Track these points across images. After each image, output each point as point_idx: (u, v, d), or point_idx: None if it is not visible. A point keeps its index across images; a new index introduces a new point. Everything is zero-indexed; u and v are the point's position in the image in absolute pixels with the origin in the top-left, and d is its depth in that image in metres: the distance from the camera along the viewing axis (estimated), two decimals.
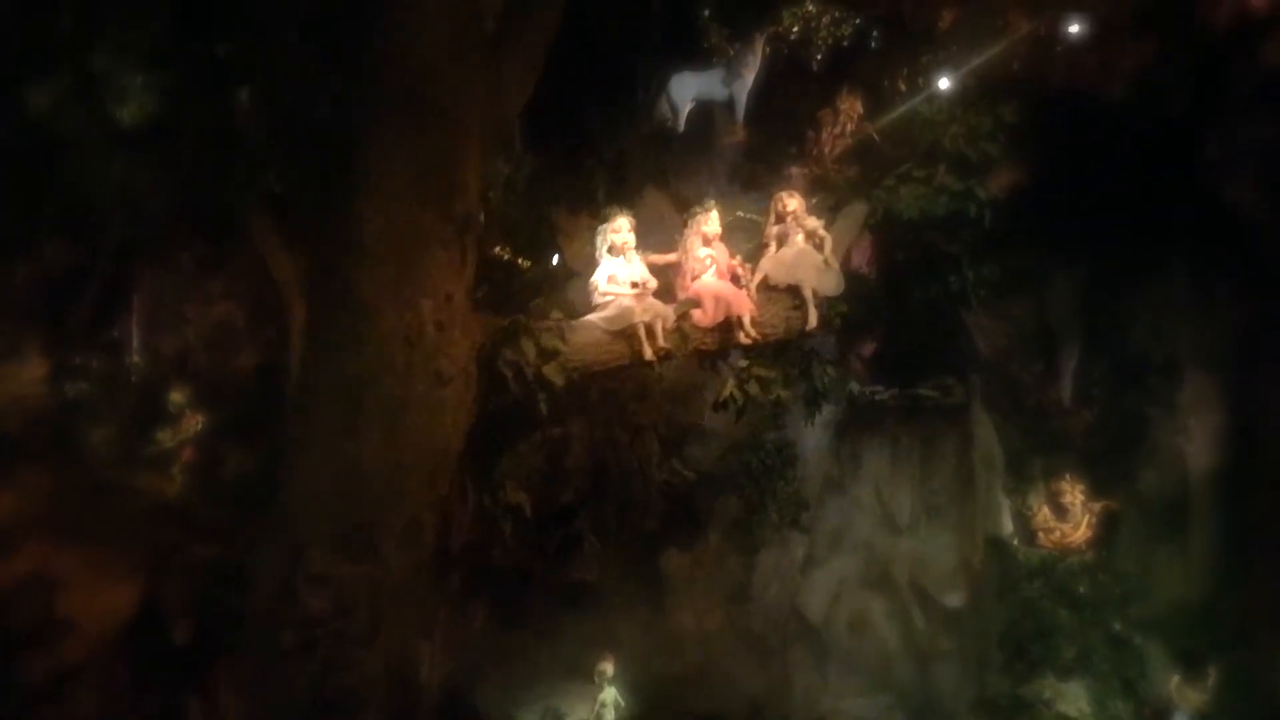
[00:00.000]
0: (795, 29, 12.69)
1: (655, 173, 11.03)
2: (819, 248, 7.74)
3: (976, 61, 10.40)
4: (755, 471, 11.43)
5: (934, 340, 13.05)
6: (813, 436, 11.93)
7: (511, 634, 10.54)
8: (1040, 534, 11.09)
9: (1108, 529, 11.62)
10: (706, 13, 12.65)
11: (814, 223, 7.81)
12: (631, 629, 10.92)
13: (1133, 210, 11.15)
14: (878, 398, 12.16)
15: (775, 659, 11.50)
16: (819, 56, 12.67)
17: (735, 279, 7.53)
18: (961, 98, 9.54)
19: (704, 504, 11.37)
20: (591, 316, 7.22)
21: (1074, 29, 10.92)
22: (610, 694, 10.04)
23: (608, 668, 10.03)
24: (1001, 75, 10.56)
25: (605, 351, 7.21)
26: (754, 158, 11.23)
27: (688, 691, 11.14)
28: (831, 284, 7.73)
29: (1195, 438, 11.64)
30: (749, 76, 11.92)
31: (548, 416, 7.02)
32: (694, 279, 7.34)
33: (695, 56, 12.27)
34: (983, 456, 11.45)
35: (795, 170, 11.23)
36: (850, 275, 8.35)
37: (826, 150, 11.03)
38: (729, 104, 11.89)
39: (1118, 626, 10.32)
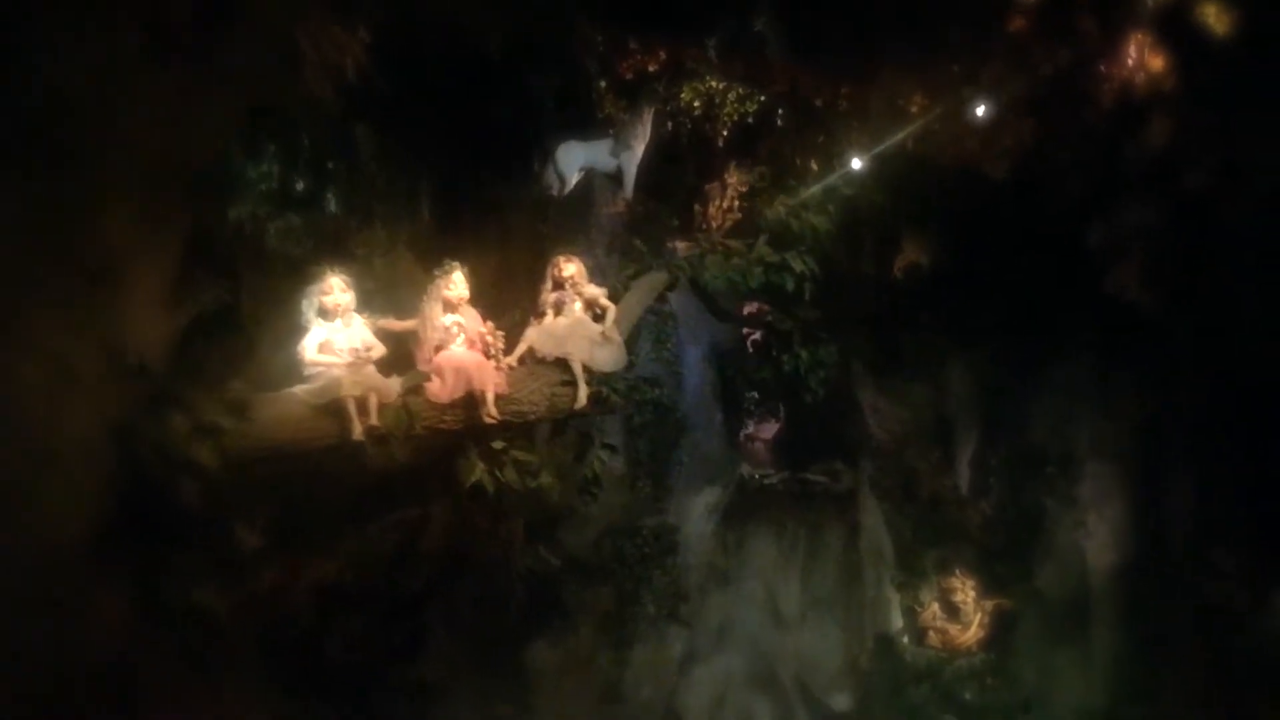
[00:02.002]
0: (697, 104, 12.53)
1: (532, 240, 10.56)
2: (599, 318, 7.17)
3: (871, 139, 10.26)
4: (631, 559, 10.68)
5: (831, 422, 12.75)
6: (696, 523, 11.35)
7: None
8: (930, 633, 10.50)
9: (1005, 630, 11.06)
10: (603, 84, 12.47)
11: (594, 291, 7.23)
12: None
13: (1032, 297, 10.90)
14: (767, 482, 11.62)
15: None
16: (724, 133, 12.51)
17: (486, 350, 6.77)
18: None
19: (574, 594, 10.60)
20: (297, 388, 6.41)
21: (966, 108, 10.80)
22: None
23: None
24: (896, 153, 10.47)
25: (306, 429, 6.31)
26: (636, 230, 10.82)
27: None
28: (609, 359, 7.07)
29: (1095, 533, 11.09)
30: (638, 148, 11.57)
31: (203, 506, 5.98)
32: (438, 349, 6.59)
33: (587, 125, 12.00)
34: (871, 547, 10.85)
35: (680, 244, 10.89)
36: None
37: (714, 225, 10.69)
38: (616, 175, 11.54)
39: None
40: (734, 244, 7.97)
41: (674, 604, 10.88)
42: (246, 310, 7.04)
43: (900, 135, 10.02)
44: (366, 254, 7.58)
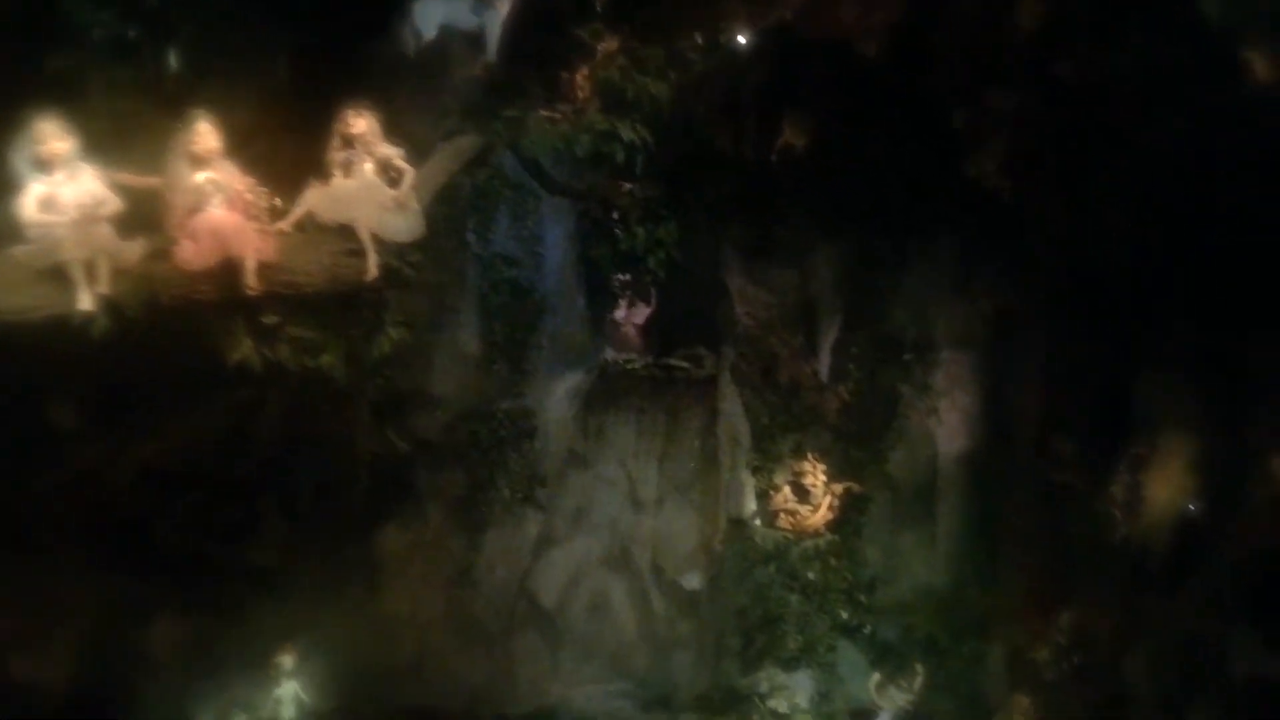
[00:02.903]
0: None
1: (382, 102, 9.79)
2: (395, 182, 6.38)
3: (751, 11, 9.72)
4: (485, 443, 10.41)
5: (702, 308, 12.58)
6: (556, 407, 11.13)
7: (189, 621, 9.34)
8: (781, 515, 10.63)
9: (855, 512, 11.33)
10: None
11: (388, 150, 6.39)
12: (335, 616, 9.77)
13: (897, 183, 10.75)
14: (629, 367, 11.42)
15: (499, 647, 10.68)
16: None
17: (247, 210, 5.98)
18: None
19: (425, 478, 10.34)
20: (15, 249, 5.52)
21: None
22: (289, 689, 8.89)
23: (286, 660, 8.87)
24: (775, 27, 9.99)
25: (23, 296, 5.48)
26: (498, 96, 10.12)
27: (401, 683, 10.09)
28: (403, 227, 6.35)
29: (946, 420, 11.37)
30: (502, 7, 10.77)
31: None
32: (192, 212, 5.76)
33: None
34: (728, 433, 10.85)
35: (544, 113, 10.27)
36: None
37: (580, 95, 10.08)
38: (477, 35, 10.73)
39: (845, 615, 9.94)
40: (561, 110, 7.30)
41: (530, 488, 10.71)
42: None
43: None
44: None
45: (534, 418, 10.75)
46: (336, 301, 6.30)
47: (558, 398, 10.96)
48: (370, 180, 6.18)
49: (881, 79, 10.03)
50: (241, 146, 5.84)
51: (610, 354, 11.64)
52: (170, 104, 6.10)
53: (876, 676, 8.84)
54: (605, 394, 11.18)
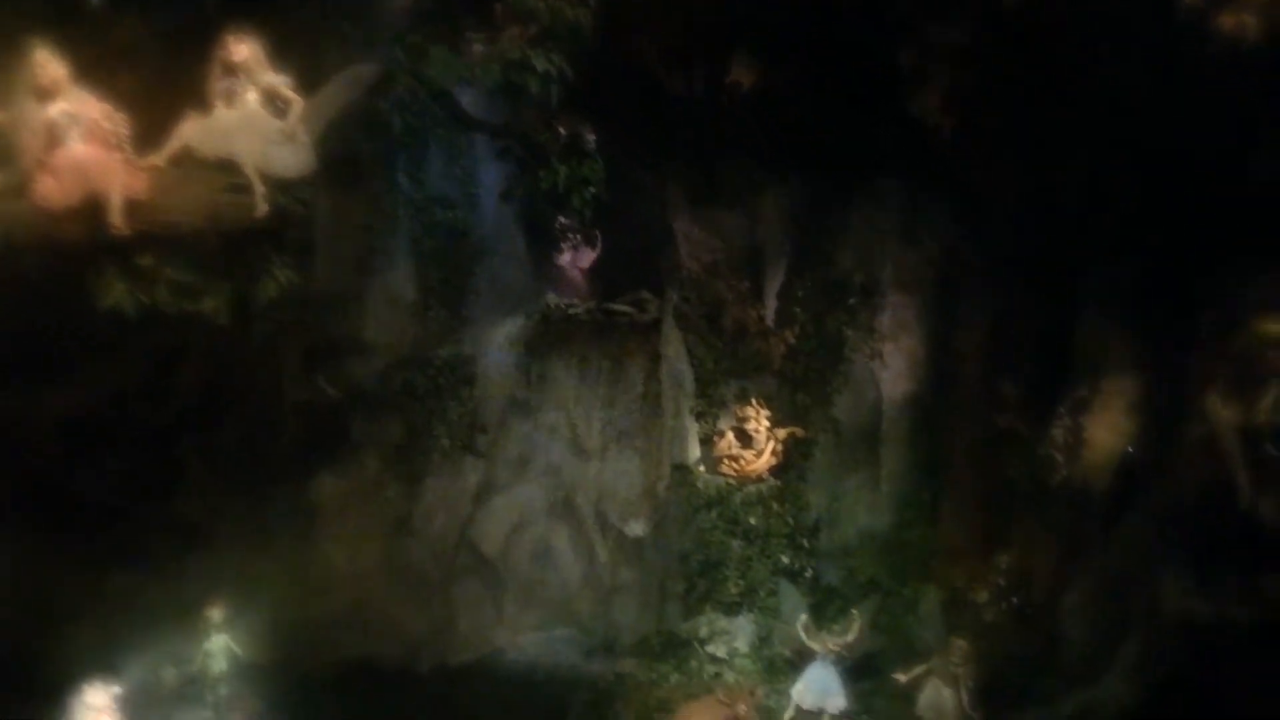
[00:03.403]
0: None
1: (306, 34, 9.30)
2: (282, 112, 6.10)
3: None
4: (422, 391, 10.15)
5: (648, 251, 12.33)
6: (496, 354, 10.85)
7: (114, 575, 9.08)
8: (724, 461, 10.54)
9: (800, 457, 11.27)
10: None
11: (273, 79, 6.10)
12: (269, 567, 9.57)
13: (843, 124, 10.52)
14: (571, 312, 11.17)
15: (440, 596, 10.52)
16: None
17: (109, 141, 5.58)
18: None
19: (361, 427, 10.08)
20: None
21: None
22: (219, 642, 8.71)
23: (215, 613, 8.69)
24: None
25: None
26: (424, 20, 9.60)
27: (339, 634, 9.92)
28: (290, 161, 6.06)
29: (891, 364, 11.33)
30: None
31: None
32: (50, 147, 5.38)
33: None
34: (672, 378, 10.64)
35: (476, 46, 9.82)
36: None
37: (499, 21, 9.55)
38: None
39: (786, 560, 9.92)
40: (475, 38, 6.86)
41: (470, 436, 10.50)
42: None
43: None
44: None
45: (473, 364, 10.48)
46: (220, 242, 5.90)
47: (498, 344, 10.65)
48: (254, 111, 5.77)
49: (828, 14, 9.81)
50: (108, 75, 5.43)
51: (552, 299, 11.36)
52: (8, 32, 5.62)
53: (804, 618, 8.81)
54: (547, 340, 10.88)
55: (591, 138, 7.84)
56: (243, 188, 5.75)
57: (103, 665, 8.86)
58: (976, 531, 10.64)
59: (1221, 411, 7.46)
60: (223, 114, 5.79)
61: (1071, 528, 9.73)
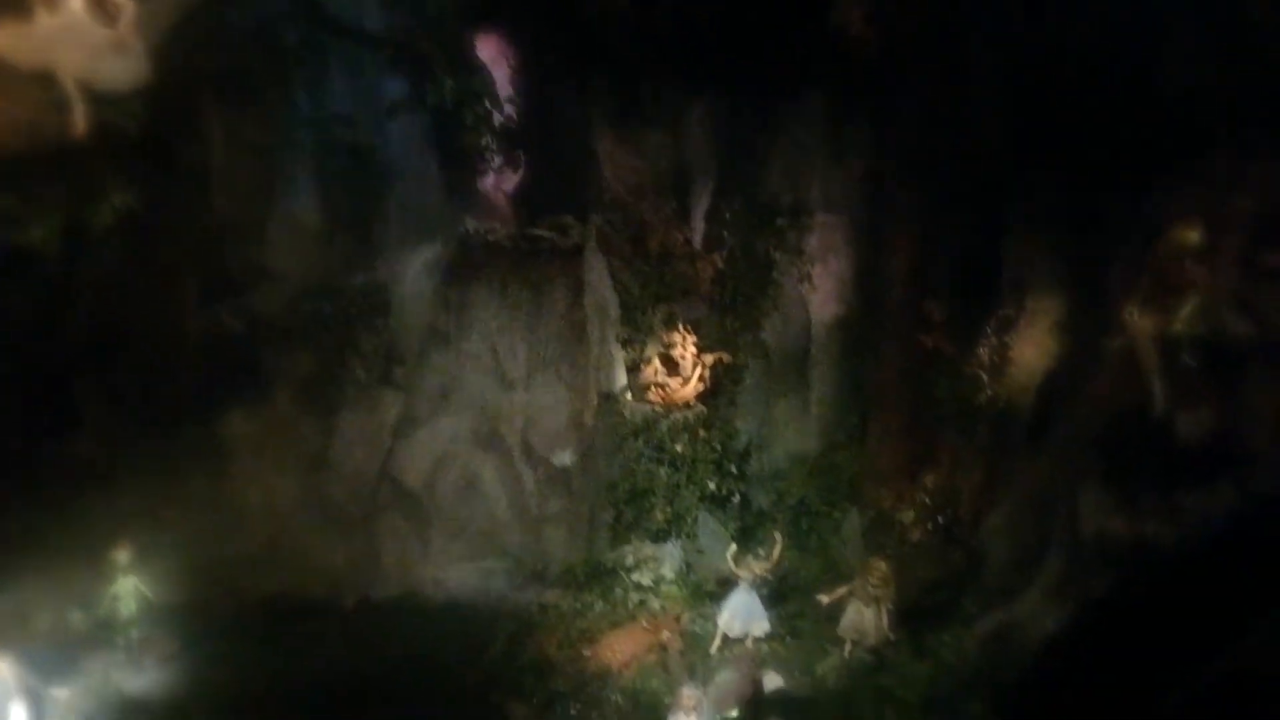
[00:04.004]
0: None
1: None
2: (112, 19, 5.60)
3: None
4: (333, 321, 9.78)
5: (573, 173, 11.89)
6: (413, 282, 10.45)
7: (14, 518, 8.67)
8: (650, 388, 10.32)
9: (730, 383, 11.12)
10: None
11: None
12: (179, 507, 9.24)
13: (767, 38, 10.14)
14: (491, 238, 10.76)
15: (360, 531, 10.28)
16: None
17: None
18: None
19: (270, 360, 9.70)
20: None
21: None
22: (127, 584, 8.43)
23: (121, 555, 8.38)
24: None
25: None
26: None
27: (257, 572, 9.63)
28: (121, 74, 5.63)
29: (820, 286, 11.15)
30: None
31: None
32: None
33: None
34: (596, 305, 10.37)
35: None
36: None
37: None
38: None
39: (713, 486, 9.81)
40: None
41: (387, 368, 10.20)
42: None
43: None
44: None
45: (387, 293, 10.14)
46: (40, 165, 5.36)
47: (414, 271, 10.28)
48: (78, 17, 5.15)
49: None
50: None
51: (471, 224, 10.92)
52: None
53: (733, 547, 8.74)
54: (466, 267, 10.50)
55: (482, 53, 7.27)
56: (62, 104, 5.20)
57: (12, 609, 8.60)
58: (904, 452, 10.62)
59: (1140, 321, 7.43)
60: (43, 20, 5.17)
61: (996, 447, 9.77)
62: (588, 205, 11.00)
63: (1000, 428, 9.47)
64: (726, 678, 7.82)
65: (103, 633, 8.65)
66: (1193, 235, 6.79)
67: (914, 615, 8.60)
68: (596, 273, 10.31)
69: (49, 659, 8.10)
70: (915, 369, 10.38)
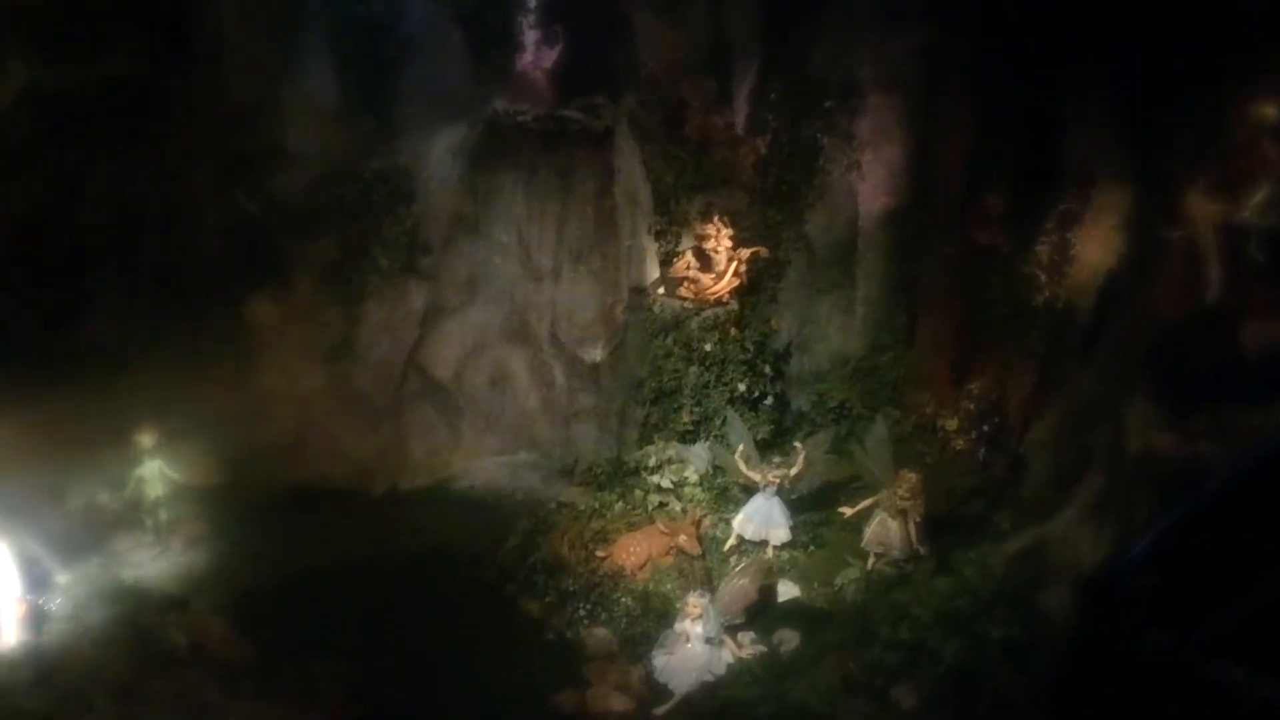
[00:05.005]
0: None
1: None
2: None
3: None
4: (354, 207, 9.46)
5: (604, 47, 11.15)
6: (437, 166, 10.00)
7: (39, 404, 8.79)
8: (684, 283, 9.85)
9: (772, 279, 10.57)
10: None
11: None
12: (204, 392, 9.16)
13: None
14: (520, 119, 10.20)
15: (388, 420, 10.17)
16: None
17: None
18: None
19: (292, 246, 9.47)
20: None
21: None
22: (153, 467, 8.51)
23: (145, 439, 8.45)
24: None
25: None
26: None
27: (283, 459, 9.60)
28: None
29: (869, 175, 10.34)
30: None
31: None
32: None
33: None
34: (627, 193, 9.84)
35: None
36: None
37: None
38: None
39: (743, 387, 9.39)
40: None
41: (411, 256, 9.89)
42: None
43: None
44: None
45: (410, 178, 9.71)
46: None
47: (438, 155, 9.80)
48: None
49: None
50: None
51: (500, 104, 10.35)
52: None
53: (742, 448, 8.36)
54: (494, 150, 9.99)
55: None
56: None
57: (47, 491, 8.81)
58: (951, 356, 10.06)
59: (1205, 206, 6.63)
60: None
61: (1050, 353, 9.10)
62: (620, 85, 10.38)
63: (1055, 332, 8.79)
64: (735, 585, 7.60)
65: (132, 514, 8.84)
66: (1272, 111, 5.92)
67: (944, 529, 8.21)
68: (627, 158, 9.73)
69: (79, 538, 8.45)
70: (968, 267, 9.71)
